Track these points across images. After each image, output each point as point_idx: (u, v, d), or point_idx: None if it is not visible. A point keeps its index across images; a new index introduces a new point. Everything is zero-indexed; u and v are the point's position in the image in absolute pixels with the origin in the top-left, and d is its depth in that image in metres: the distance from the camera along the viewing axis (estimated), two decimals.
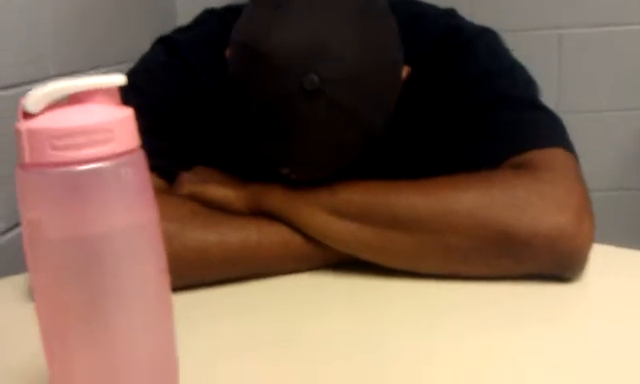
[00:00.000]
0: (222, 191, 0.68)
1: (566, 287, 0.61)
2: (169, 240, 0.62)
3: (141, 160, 0.40)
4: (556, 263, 0.60)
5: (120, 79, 0.39)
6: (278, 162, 0.64)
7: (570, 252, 0.60)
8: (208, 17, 0.81)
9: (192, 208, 0.66)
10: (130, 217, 0.39)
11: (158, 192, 0.66)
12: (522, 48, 1.43)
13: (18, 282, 0.69)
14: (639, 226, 1.56)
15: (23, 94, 0.37)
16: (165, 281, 0.43)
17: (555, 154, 0.65)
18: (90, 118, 0.37)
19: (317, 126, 0.60)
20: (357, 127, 0.61)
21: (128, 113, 0.40)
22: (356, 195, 0.64)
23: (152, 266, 0.41)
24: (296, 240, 0.65)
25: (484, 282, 0.62)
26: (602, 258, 0.66)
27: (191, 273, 0.64)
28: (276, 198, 0.66)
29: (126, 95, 0.74)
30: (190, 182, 0.69)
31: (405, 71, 0.67)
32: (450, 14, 0.80)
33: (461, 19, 0.80)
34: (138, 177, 0.40)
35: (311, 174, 0.64)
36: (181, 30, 0.81)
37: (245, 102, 0.62)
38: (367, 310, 0.61)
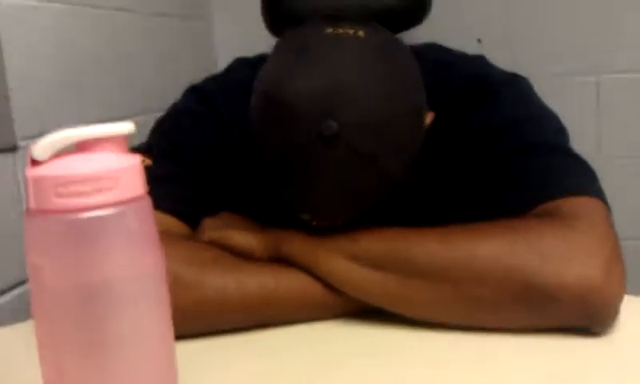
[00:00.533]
0: (243, 237, 0.67)
1: (595, 341, 0.59)
2: (188, 286, 0.64)
3: (146, 207, 0.41)
4: (584, 316, 0.58)
5: (128, 127, 0.40)
6: (297, 208, 0.63)
7: (598, 305, 0.57)
8: (239, 66, 0.83)
9: (213, 254, 0.66)
10: (134, 264, 0.39)
11: (180, 237, 0.68)
12: (561, 93, 1.43)
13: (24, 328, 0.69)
14: None
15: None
16: (167, 325, 0.42)
17: (584, 203, 0.63)
18: (94, 166, 0.38)
19: (336, 172, 0.59)
20: (376, 172, 0.60)
21: (134, 161, 0.40)
22: (377, 243, 0.63)
23: (154, 312, 0.41)
24: (315, 288, 0.64)
25: (509, 335, 0.60)
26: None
27: (210, 319, 0.64)
28: (295, 245, 0.65)
29: (154, 141, 0.77)
30: (212, 227, 0.69)
31: (429, 117, 0.67)
32: (480, 60, 0.80)
33: (490, 66, 0.79)
34: (142, 224, 0.40)
35: (332, 219, 0.64)
36: (212, 79, 0.83)
37: (264, 150, 0.62)
38: (386, 359, 0.59)
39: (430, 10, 1.19)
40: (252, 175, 0.73)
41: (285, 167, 0.61)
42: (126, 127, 0.40)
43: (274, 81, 0.62)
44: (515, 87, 0.74)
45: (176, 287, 0.62)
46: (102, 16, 1.13)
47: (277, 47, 0.65)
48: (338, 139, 0.58)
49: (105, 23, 1.14)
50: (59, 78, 0.98)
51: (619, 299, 0.58)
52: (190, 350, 0.61)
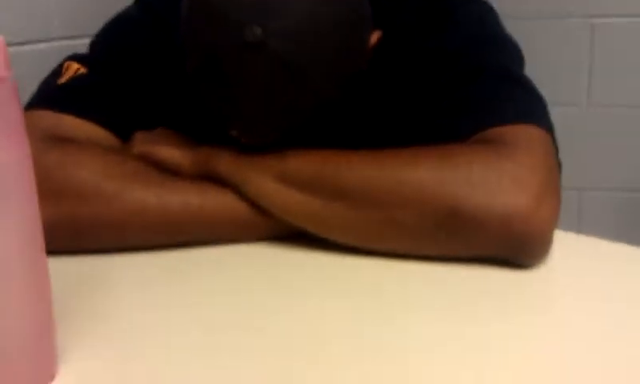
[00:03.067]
0: (171, 152, 0.65)
1: (522, 274, 0.56)
2: (108, 199, 0.62)
3: (9, 91, 0.37)
4: (509, 247, 0.55)
5: None
6: (225, 120, 0.60)
7: (524, 236, 0.54)
8: None
9: (135, 167, 0.63)
10: None
11: (102, 148, 0.65)
12: (553, 37, 1.38)
13: None
14: None
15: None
16: (37, 231, 0.40)
17: (525, 131, 0.59)
18: None
19: (260, 83, 0.56)
20: (305, 86, 0.57)
21: None
22: (306, 164, 0.60)
23: (17, 210, 0.38)
24: (241, 207, 0.62)
25: (435, 263, 0.58)
26: (573, 248, 0.61)
27: (130, 233, 0.62)
28: (223, 162, 0.62)
29: (93, 49, 0.74)
30: (142, 141, 0.67)
31: (374, 36, 0.63)
32: None
33: None
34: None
35: (260, 136, 0.61)
36: None
37: (190, 54, 0.59)
38: (308, 285, 0.57)
39: None
40: (190, 88, 0.70)
41: (207, 73, 0.58)
42: None
43: None
44: (470, 9, 0.70)
45: (95, 199, 0.61)
46: None
47: None
48: (262, 47, 0.55)
49: None
50: None
51: (548, 232, 0.55)
52: (106, 264, 0.60)
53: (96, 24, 0.77)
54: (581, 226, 1.47)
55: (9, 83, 0.38)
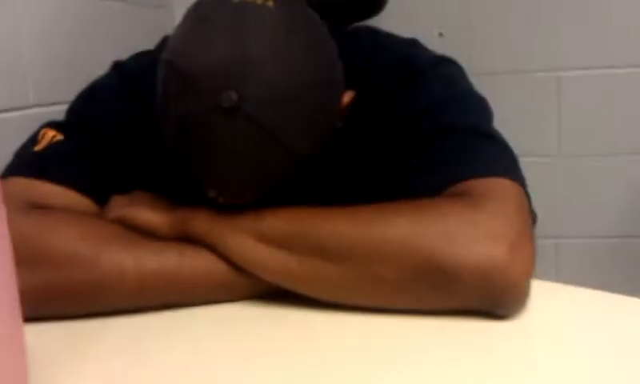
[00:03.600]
0: (148, 215, 0.65)
1: (505, 324, 0.56)
2: (84, 263, 0.61)
3: None
4: (488, 298, 0.55)
5: None
6: (202, 183, 0.61)
7: (502, 286, 0.55)
8: (164, 44, 0.80)
9: (112, 231, 0.63)
10: None
11: (78, 214, 0.65)
12: (521, 91, 1.42)
13: None
14: (634, 273, 1.47)
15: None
16: (14, 298, 0.40)
17: (497, 184, 0.61)
18: None
19: (237, 146, 0.57)
20: (279, 149, 0.58)
21: None
22: (282, 221, 0.61)
23: None
24: (219, 267, 0.62)
25: (415, 316, 0.58)
26: (552, 297, 0.61)
27: (108, 297, 0.61)
28: (200, 222, 0.63)
29: (69, 116, 0.75)
30: (119, 205, 0.67)
31: (347, 96, 0.64)
32: (410, 43, 0.78)
33: (419, 49, 0.77)
34: None
35: (238, 197, 0.61)
36: (137, 55, 0.81)
37: (167, 121, 0.60)
38: (293, 343, 0.57)
39: (385, 3, 1.18)
40: (167, 152, 0.71)
41: (186, 139, 0.59)
42: None
43: (176, 50, 0.60)
44: (439, 69, 0.72)
45: (72, 264, 0.60)
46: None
47: (183, 16, 0.63)
48: (237, 111, 0.56)
49: (58, 8, 1.11)
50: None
51: (524, 282, 0.56)
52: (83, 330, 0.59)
53: (70, 92, 0.78)
54: (559, 275, 1.48)
55: None
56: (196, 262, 0.62)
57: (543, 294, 0.60)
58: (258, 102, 0.56)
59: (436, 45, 0.78)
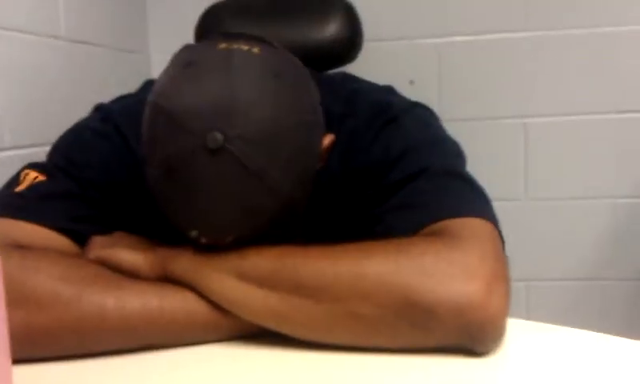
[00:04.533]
0: (129, 255, 0.65)
1: (480, 362, 0.58)
2: (65, 303, 0.61)
3: None
4: (464, 335, 0.57)
5: None
6: (185, 223, 0.62)
7: (478, 323, 0.56)
8: (148, 86, 0.82)
9: (93, 271, 0.63)
10: None
11: (60, 254, 0.65)
12: (489, 136, 1.47)
13: None
14: (607, 315, 1.51)
15: None
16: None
17: (471, 223, 0.63)
18: None
19: (221, 185, 0.58)
20: (263, 188, 0.59)
21: None
22: (263, 260, 0.62)
23: None
24: (201, 307, 0.62)
25: (395, 354, 0.59)
26: (528, 335, 0.63)
27: (89, 338, 0.61)
28: (182, 263, 0.63)
29: (51, 157, 0.75)
30: (100, 245, 0.67)
31: (327, 139, 0.66)
32: (385, 89, 0.81)
33: (394, 95, 0.80)
34: None
35: (220, 236, 0.62)
36: (119, 98, 0.82)
37: (151, 162, 0.61)
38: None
39: (359, 51, 1.22)
40: (149, 193, 0.71)
41: (170, 179, 0.60)
42: None
43: (162, 92, 0.61)
44: (414, 114, 0.75)
45: (53, 304, 0.60)
46: (34, 43, 1.11)
47: (170, 61, 0.64)
48: (223, 151, 0.57)
49: (36, 51, 1.12)
50: None
51: (500, 318, 0.57)
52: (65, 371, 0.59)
53: (48, 135, 0.79)
54: (529, 316, 1.50)
55: None
56: (178, 303, 0.62)
57: (516, 332, 0.62)
58: (243, 142, 0.57)
59: (407, 92, 0.81)
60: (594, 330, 0.63)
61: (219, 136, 0.57)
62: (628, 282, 1.52)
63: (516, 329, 0.62)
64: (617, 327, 0.60)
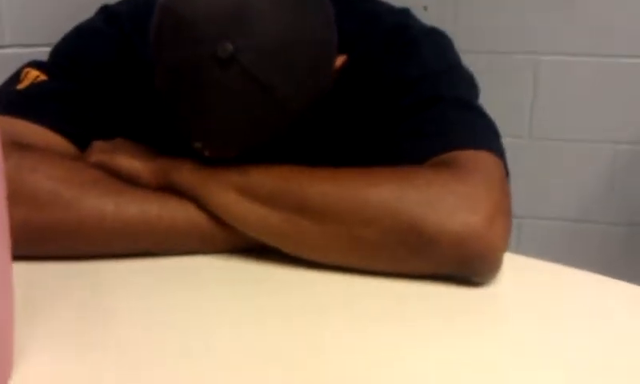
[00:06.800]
0: (130, 162, 0.64)
1: (476, 291, 0.58)
2: (65, 205, 0.61)
3: None
4: (464, 264, 0.57)
5: None
6: (190, 134, 0.61)
7: (478, 253, 0.56)
8: None
9: (94, 175, 0.62)
10: None
11: (61, 156, 0.65)
12: (499, 71, 1.44)
13: None
14: (603, 259, 1.52)
15: None
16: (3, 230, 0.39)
17: (479, 156, 0.62)
18: None
19: (229, 97, 0.57)
20: (272, 103, 0.58)
21: None
22: (268, 178, 0.61)
23: None
24: (201, 218, 0.62)
25: (392, 278, 0.59)
26: (526, 270, 0.64)
27: (88, 241, 0.61)
28: (184, 173, 0.63)
29: (53, 57, 0.73)
30: (100, 150, 0.66)
31: (339, 60, 0.65)
32: (403, 12, 0.79)
33: (412, 18, 0.78)
34: None
35: (224, 150, 0.61)
36: (125, 0, 0.79)
37: (159, 67, 0.60)
38: (268, 298, 0.57)
39: None
40: (153, 100, 0.70)
41: (177, 86, 0.58)
42: None
43: None
44: (432, 40, 0.73)
45: (53, 205, 0.60)
46: None
47: None
48: (233, 62, 0.56)
49: None
50: None
51: (499, 251, 0.58)
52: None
53: (48, 34, 0.76)
54: (518, 252, 1.52)
55: None
56: (177, 212, 0.62)
57: (512, 265, 0.62)
58: (253, 53, 0.56)
59: (421, 18, 0.78)
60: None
61: (229, 46, 0.55)
62: (620, 227, 1.53)
63: (507, 261, 0.62)
64: (605, 271, 0.61)
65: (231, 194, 0.61)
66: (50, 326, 0.50)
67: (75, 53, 0.72)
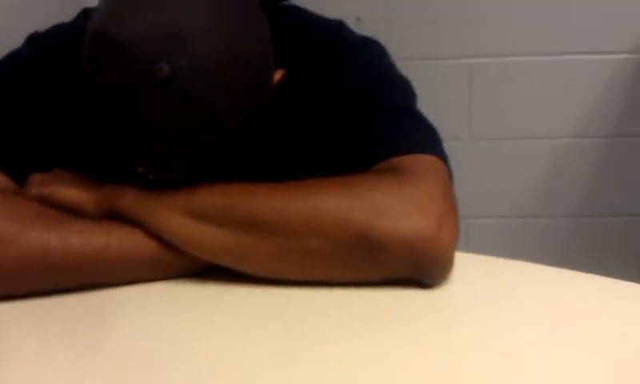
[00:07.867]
0: (72, 192, 0.63)
1: (428, 293, 0.59)
2: (6, 242, 0.58)
3: None
4: (415, 268, 0.58)
5: None
6: (131, 158, 0.60)
7: (428, 256, 0.57)
8: (83, 16, 0.77)
9: (35, 209, 0.61)
10: None
11: (2, 192, 0.62)
12: (434, 76, 1.47)
13: None
14: (542, 251, 1.57)
15: None
16: None
17: (423, 160, 0.63)
18: None
19: (168, 118, 0.56)
20: (212, 122, 0.57)
21: None
22: (214, 197, 0.60)
23: None
24: (149, 244, 0.61)
25: (347, 287, 0.59)
26: (476, 268, 0.65)
27: (32, 277, 0.59)
28: (129, 199, 0.61)
29: None
30: (40, 183, 0.64)
31: (278, 74, 0.65)
32: (336, 24, 0.79)
33: (345, 30, 0.78)
34: None
35: (167, 173, 0.60)
36: (56, 27, 0.77)
37: (95, 93, 0.58)
38: (229, 317, 0.57)
39: None
40: (92, 127, 0.68)
41: (114, 112, 0.57)
42: None
43: (104, 20, 0.57)
44: (367, 50, 0.74)
45: None
46: None
47: None
48: (170, 83, 0.55)
49: None
50: None
51: (450, 252, 0.59)
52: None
53: None
54: (468, 251, 1.55)
55: None
56: (125, 240, 0.61)
57: (461, 264, 0.63)
58: (191, 74, 0.55)
59: (354, 29, 0.79)
60: None
61: (166, 67, 0.55)
62: (562, 219, 1.58)
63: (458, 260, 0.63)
64: (551, 262, 0.63)
65: (179, 216, 0.60)
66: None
67: (6, 85, 0.70)
